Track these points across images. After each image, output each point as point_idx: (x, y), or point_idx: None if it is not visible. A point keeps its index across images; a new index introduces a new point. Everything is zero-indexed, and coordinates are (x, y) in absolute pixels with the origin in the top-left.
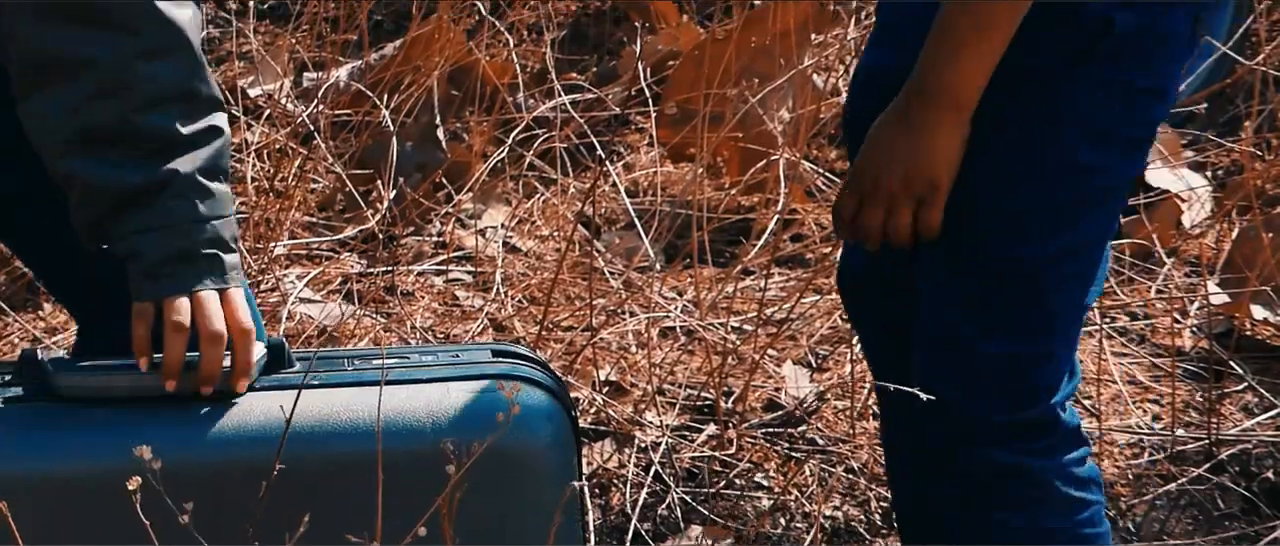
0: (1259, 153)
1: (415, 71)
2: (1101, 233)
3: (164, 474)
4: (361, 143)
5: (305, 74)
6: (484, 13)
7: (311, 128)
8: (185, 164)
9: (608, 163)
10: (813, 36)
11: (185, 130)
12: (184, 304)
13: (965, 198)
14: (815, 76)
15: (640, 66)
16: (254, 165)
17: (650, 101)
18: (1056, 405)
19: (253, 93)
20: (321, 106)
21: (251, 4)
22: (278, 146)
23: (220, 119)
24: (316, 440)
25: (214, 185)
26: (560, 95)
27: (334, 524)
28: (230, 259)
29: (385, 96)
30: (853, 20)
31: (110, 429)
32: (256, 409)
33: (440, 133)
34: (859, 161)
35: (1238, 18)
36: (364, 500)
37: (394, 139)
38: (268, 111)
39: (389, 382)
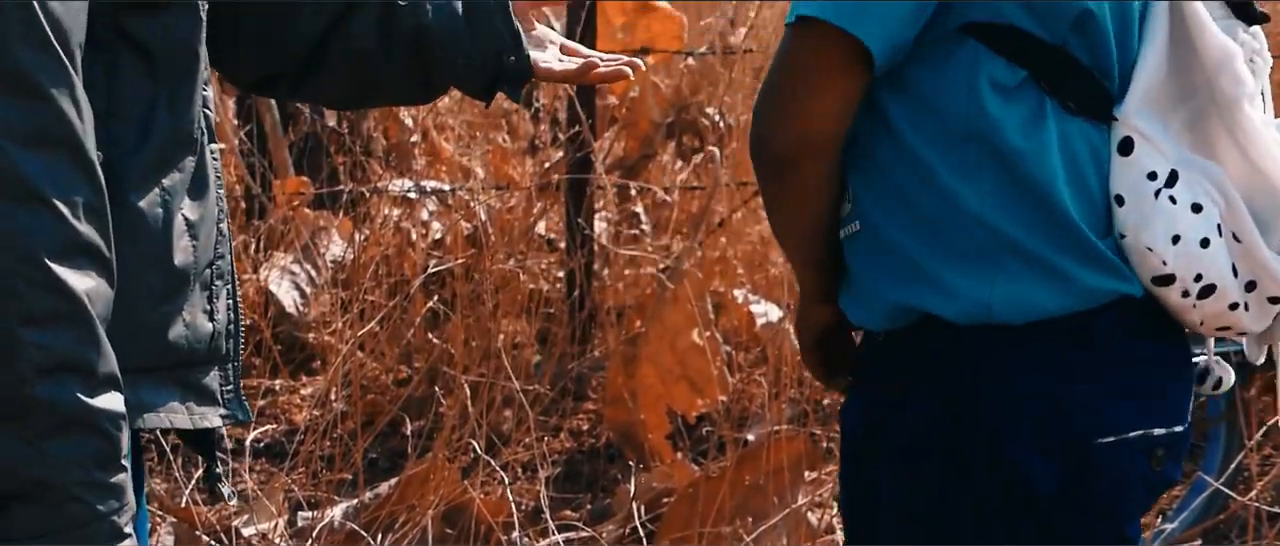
0: None
1: (410, 510)
2: None
3: None
4: None
5: (300, 513)
6: (479, 451)
7: None
8: (80, 461)
9: None
10: (806, 474)
11: (83, 404)
12: None
13: None
14: (810, 514)
15: (634, 505)
16: None
17: (645, 540)
18: None
19: (247, 532)
20: None
21: (247, 442)
22: None
23: (119, 401)
24: None
25: (114, 479)
26: (554, 534)
27: None
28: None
29: (380, 536)
30: None
31: None
32: None
33: None
34: None
35: (1229, 453)
36: None
37: None
38: None
39: None
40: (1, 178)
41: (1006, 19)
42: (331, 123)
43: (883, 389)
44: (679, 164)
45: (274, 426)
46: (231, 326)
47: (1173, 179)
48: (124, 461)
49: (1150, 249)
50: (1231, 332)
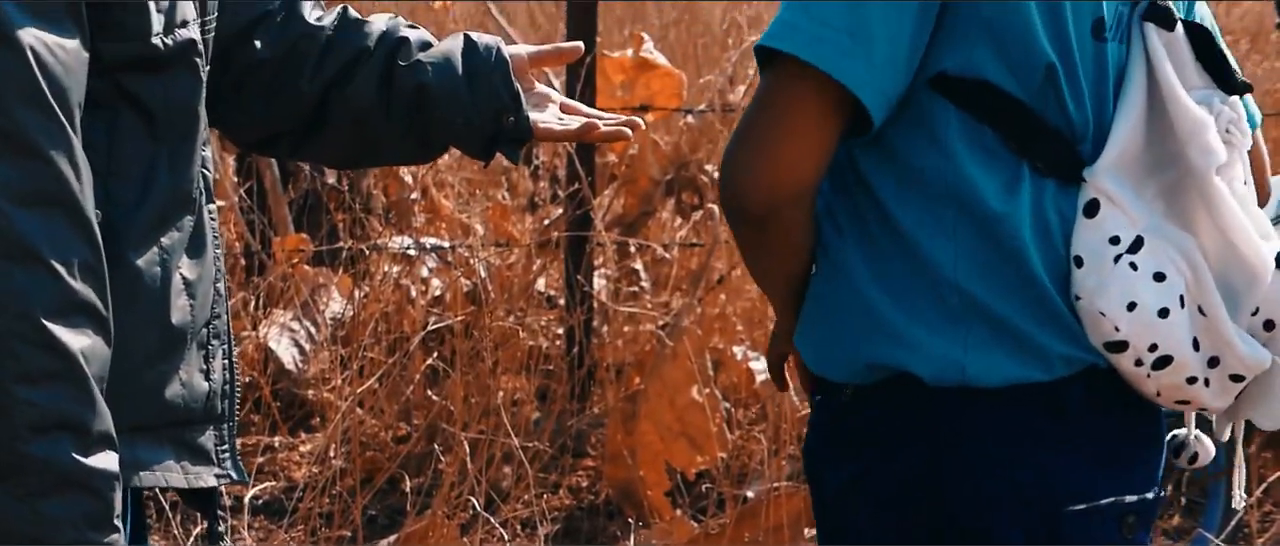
0: None
1: None
2: None
3: None
4: None
5: None
6: (478, 508)
7: None
8: (73, 520)
9: None
10: (806, 531)
11: (77, 463)
12: None
13: None
14: None
15: None
16: None
17: None
18: None
19: None
20: None
21: (246, 499)
22: None
23: (113, 461)
24: None
25: (107, 539)
26: None
27: None
28: None
29: None
30: None
31: None
32: None
33: None
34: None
35: (1229, 509)
36: None
37: None
38: None
39: None
40: (10, 239)
41: (978, 72)
42: (331, 180)
43: (860, 442)
44: (678, 221)
45: (273, 483)
46: (227, 387)
47: (1137, 245)
48: (116, 521)
49: (1103, 314)
50: (1191, 407)
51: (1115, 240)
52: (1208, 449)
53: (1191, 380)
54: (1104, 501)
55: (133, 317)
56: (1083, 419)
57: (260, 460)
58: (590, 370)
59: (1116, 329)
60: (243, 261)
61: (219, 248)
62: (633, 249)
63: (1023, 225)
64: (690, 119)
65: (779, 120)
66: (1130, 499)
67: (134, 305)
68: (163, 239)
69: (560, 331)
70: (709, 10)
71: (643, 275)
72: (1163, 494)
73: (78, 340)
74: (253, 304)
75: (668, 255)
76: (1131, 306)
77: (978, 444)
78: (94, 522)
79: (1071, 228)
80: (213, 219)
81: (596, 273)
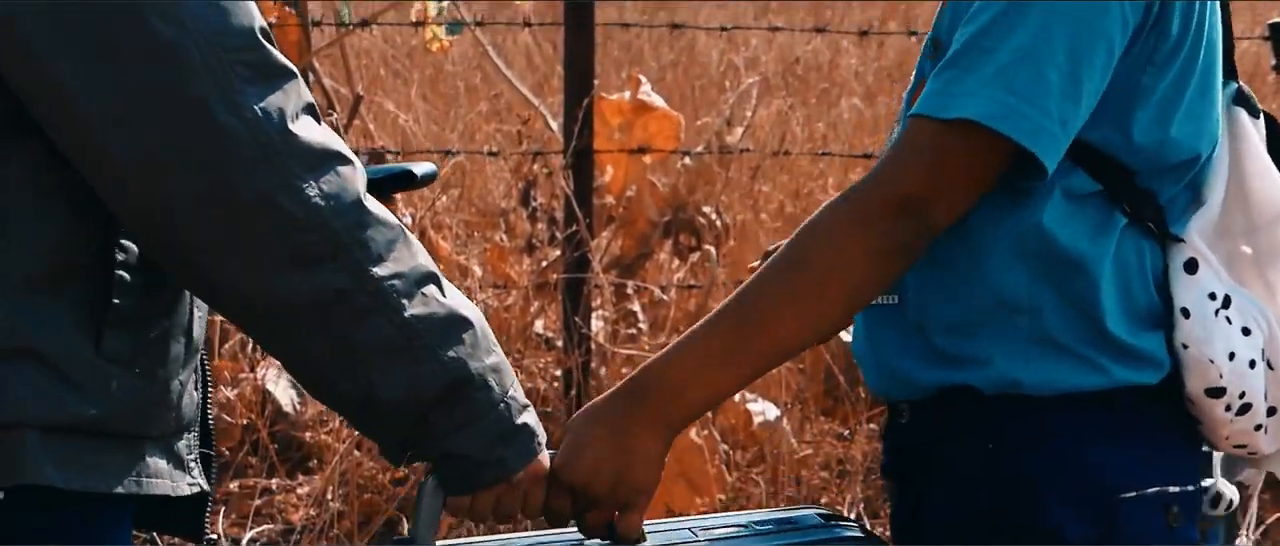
0: None
1: None
2: None
3: None
4: None
5: None
6: None
7: None
8: (468, 348)
9: None
10: None
11: (446, 304)
12: (535, 469)
13: None
14: None
15: None
16: None
17: None
18: None
19: None
20: None
21: (243, 541)
22: None
23: (454, 289)
24: None
25: (493, 358)
26: None
27: None
28: (533, 419)
29: None
30: None
31: None
32: None
33: None
34: (564, 460)
35: (1232, 535)
36: None
37: None
38: None
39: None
40: (311, 150)
41: (1107, 149)
42: None
43: (922, 455)
44: (676, 263)
45: (271, 526)
46: (204, 396)
47: (1228, 302)
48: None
49: (1212, 361)
50: (1245, 451)
51: (1213, 296)
52: (1233, 493)
53: (1258, 427)
54: (1150, 491)
55: (169, 327)
56: (1130, 415)
57: (258, 503)
58: None
59: (1221, 376)
60: None
61: None
62: (630, 290)
63: (1103, 265)
64: (688, 161)
65: (944, 178)
66: (1173, 489)
67: (171, 315)
68: None
69: (558, 373)
70: (706, 52)
71: (640, 317)
72: (1205, 491)
73: (378, 205)
74: (251, 345)
75: (665, 297)
76: (1232, 356)
77: (1037, 447)
78: (486, 346)
79: (1147, 271)
80: None
81: (594, 314)
